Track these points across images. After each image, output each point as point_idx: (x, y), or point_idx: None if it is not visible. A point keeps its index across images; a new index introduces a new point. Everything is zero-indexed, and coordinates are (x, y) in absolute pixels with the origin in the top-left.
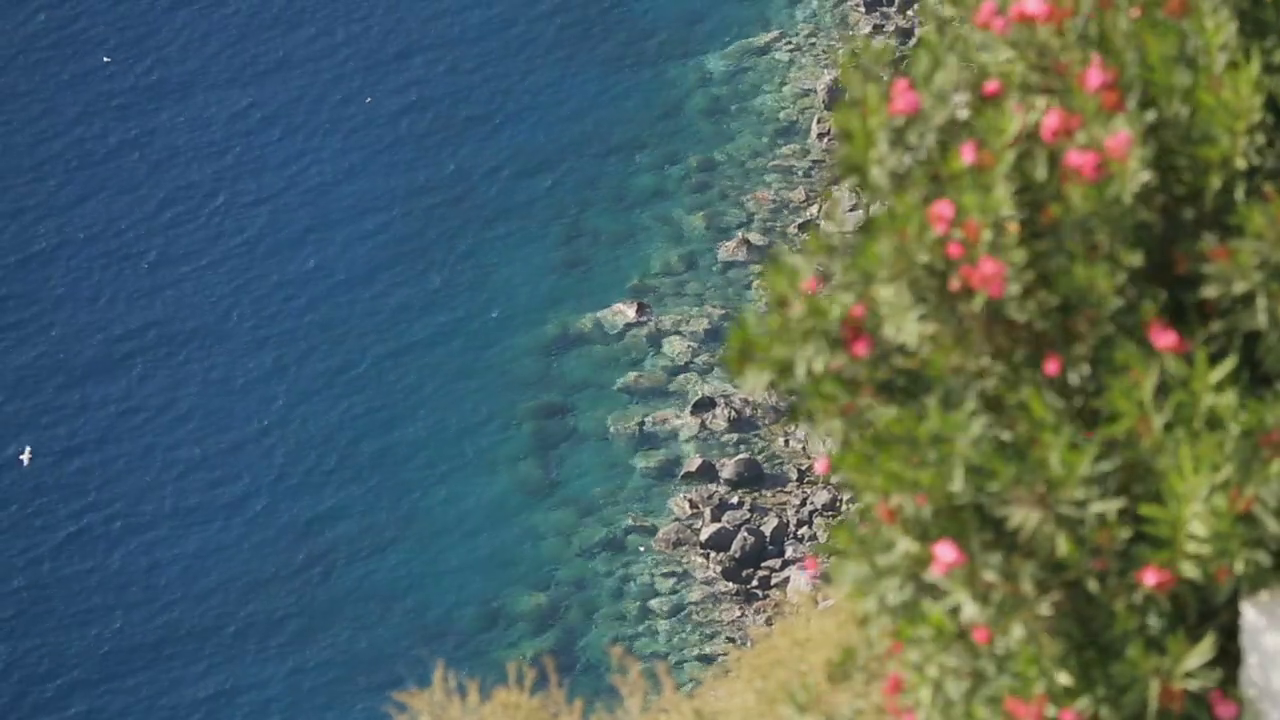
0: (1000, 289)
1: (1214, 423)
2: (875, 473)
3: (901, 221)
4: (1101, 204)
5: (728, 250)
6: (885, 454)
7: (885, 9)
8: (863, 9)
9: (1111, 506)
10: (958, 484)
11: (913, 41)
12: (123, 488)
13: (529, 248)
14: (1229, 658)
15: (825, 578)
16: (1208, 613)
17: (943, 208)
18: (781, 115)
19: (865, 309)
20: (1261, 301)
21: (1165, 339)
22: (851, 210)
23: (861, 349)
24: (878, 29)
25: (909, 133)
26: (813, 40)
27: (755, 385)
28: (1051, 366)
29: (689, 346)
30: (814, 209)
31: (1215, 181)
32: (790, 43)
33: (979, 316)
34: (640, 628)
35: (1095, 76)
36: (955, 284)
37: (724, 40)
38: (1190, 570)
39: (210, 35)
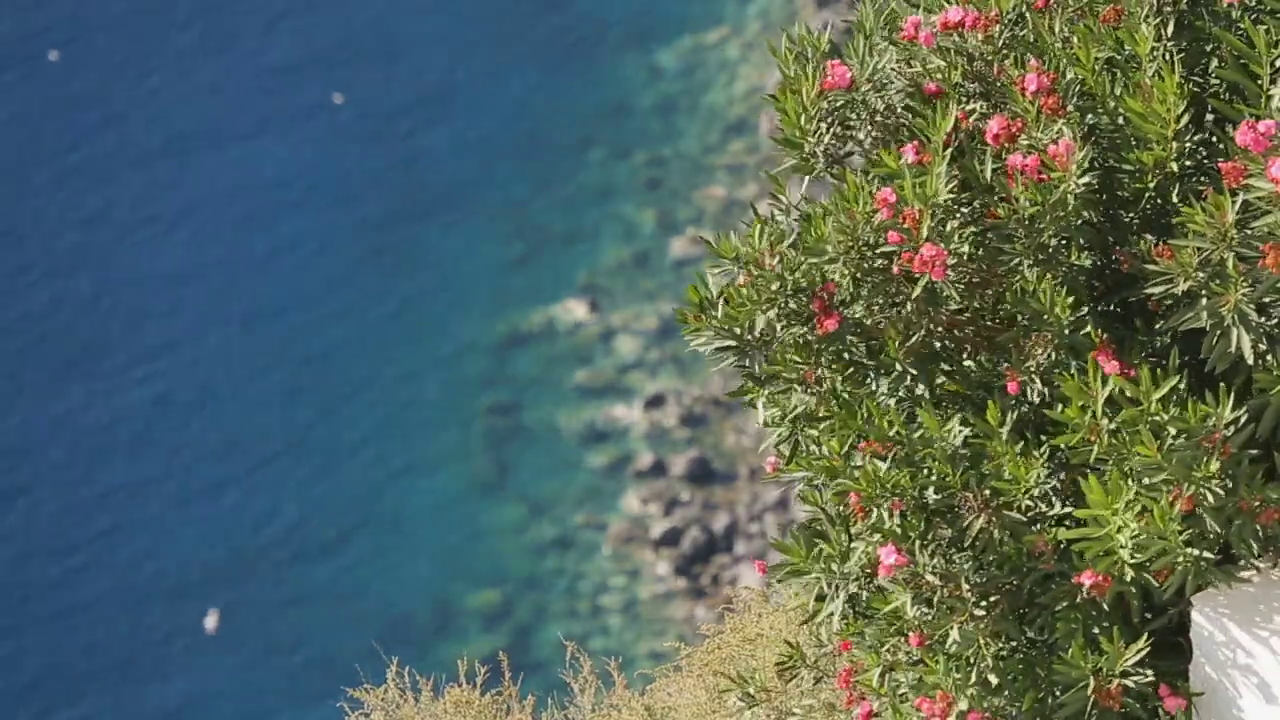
0: (941, 272)
1: (1157, 432)
2: (861, 477)
3: (850, 202)
4: (1046, 205)
5: (679, 247)
6: (868, 451)
7: (835, 4)
8: (813, 5)
9: (1055, 512)
10: (932, 496)
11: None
12: (64, 487)
13: (478, 245)
14: (1179, 652)
15: (776, 573)
16: (1155, 610)
17: (886, 193)
18: (732, 112)
19: (834, 287)
20: (1203, 300)
21: (1110, 366)
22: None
23: (831, 324)
24: (827, 26)
25: (847, 112)
26: (764, 36)
27: (708, 347)
28: (1012, 386)
29: (640, 343)
30: (764, 202)
31: (1150, 185)
32: (741, 39)
33: (919, 302)
34: (591, 625)
35: (1033, 81)
36: (897, 267)
37: (674, 36)
38: (1130, 573)
39: (148, 35)
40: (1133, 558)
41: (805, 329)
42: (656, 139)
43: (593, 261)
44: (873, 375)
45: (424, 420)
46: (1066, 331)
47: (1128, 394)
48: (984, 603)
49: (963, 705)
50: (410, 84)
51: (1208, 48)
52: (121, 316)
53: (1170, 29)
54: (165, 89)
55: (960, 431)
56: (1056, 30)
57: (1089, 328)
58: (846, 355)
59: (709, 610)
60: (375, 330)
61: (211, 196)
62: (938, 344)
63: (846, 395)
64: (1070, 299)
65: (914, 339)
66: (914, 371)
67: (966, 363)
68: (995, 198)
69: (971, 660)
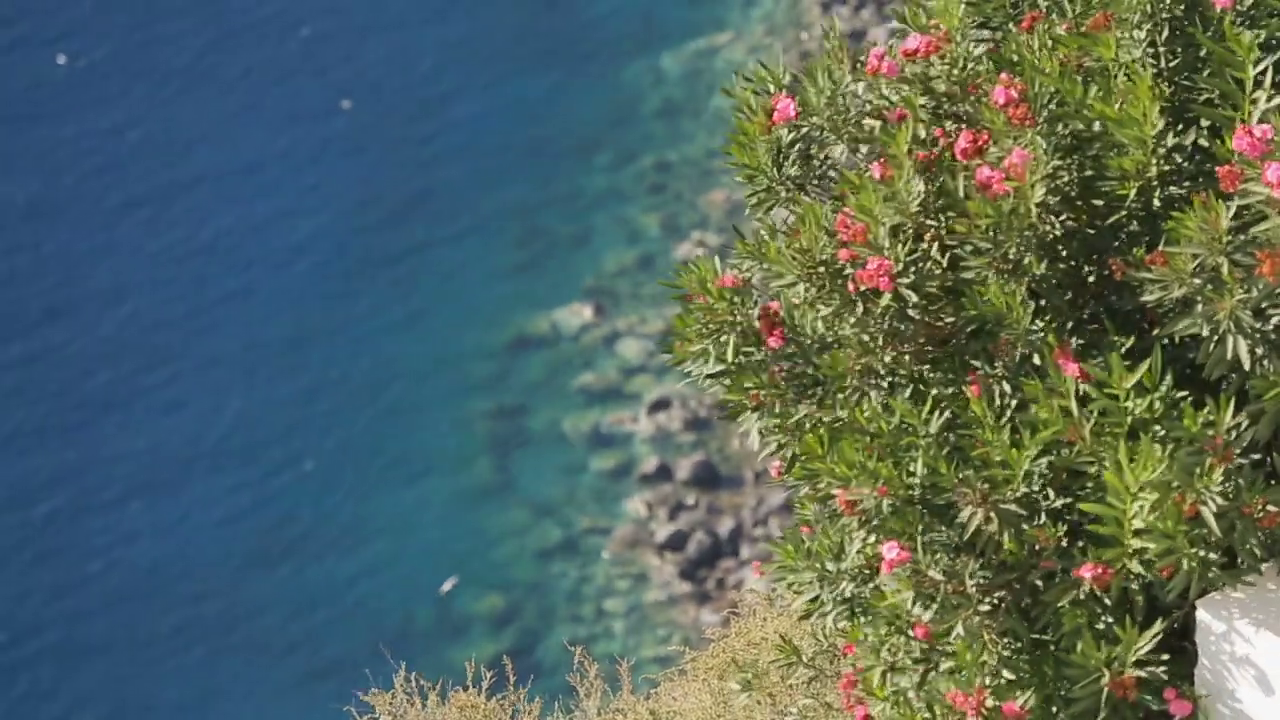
0: (888, 283)
1: (1141, 426)
2: (837, 462)
3: (800, 222)
4: (1003, 217)
5: (684, 251)
6: (846, 443)
7: (839, 8)
8: (818, 8)
9: (1053, 504)
10: (919, 474)
11: (864, 41)
12: (71, 488)
13: (483, 249)
14: (1185, 657)
15: (769, 570)
16: (1157, 612)
17: (846, 214)
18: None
19: (780, 305)
20: (1199, 307)
21: (1070, 368)
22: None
23: (776, 341)
24: (832, 30)
25: (803, 141)
26: (768, 40)
27: (697, 373)
28: (973, 390)
29: (645, 347)
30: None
31: (1131, 190)
32: (745, 43)
33: (885, 316)
34: (597, 629)
35: (1001, 94)
36: (852, 286)
37: (678, 41)
38: (1136, 567)
39: (152, 37)
40: (1141, 546)
41: (757, 352)
42: (661, 143)
43: (597, 266)
44: (831, 394)
45: (428, 424)
46: (1027, 334)
47: (1096, 380)
48: (988, 600)
49: (990, 702)
50: (417, 89)
51: (1201, 54)
52: (142, 329)
53: (1165, 35)
54: (179, 101)
55: (940, 418)
56: (1036, 48)
57: (1049, 333)
58: (804, 374)
59: (714, 614)
60: (380, 334)
61: (221, 205)
62: (889, 359)
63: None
64: (1023, 301)
65: (874, 358)
66: (865, 390)
67: (934, 373)
68: (958, 213)
69: (984, 657)
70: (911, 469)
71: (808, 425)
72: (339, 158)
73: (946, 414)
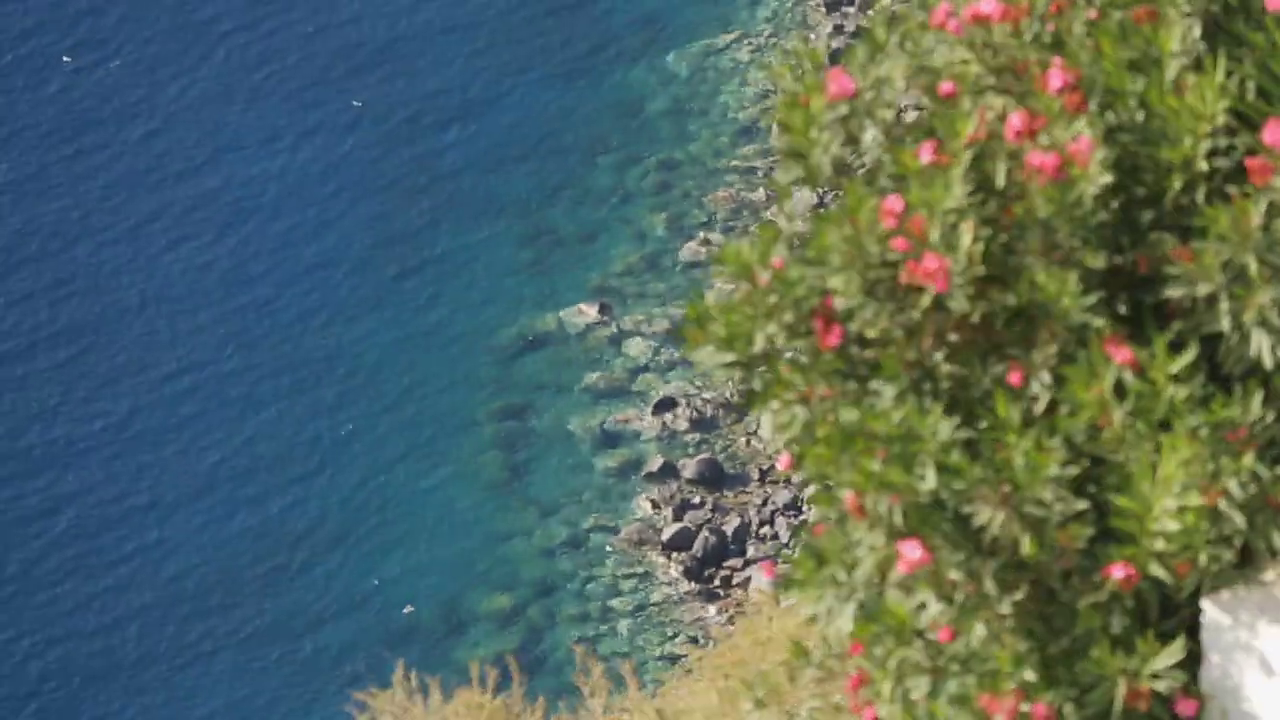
0: (945, 284)
1: (1174, 415)
2: (847, 468)
3: (852, 212)
4: (1063, 205)
5: (689, 250)
6: (858, 449)
7: (845, 9)
8: (823, 9)
9: (1076, 507)
10: (929, 483)
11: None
12: (95, 499)
13: (490, 248)
14: (1190, 656)
15: (781, 586)
16: (1169, 611)
17: (893, 202)
18: (742, 116)
19: (833, 301)
20: (1224, 304)
21: (1121, 355)
22: (816, 205)
23: (834, 340)
24: (838, 29)
25: (851, 123)
26: (774, 40)
27: (710, 362)
28: (1014, 377)
29: (651, 346)
30: (773, 207)
31: (1176, 183)
32: (751, 43)
33: (929, 311)
34: (603, 627)
35: (1057, 78)
36: (904, 277)
37: (685, 41)
38: (1155, 568)
39: (161, 35)
40: (1164, 547)
41: (804, 343)
42: (667, 142)
43: (604, 265)
44: (875, 386)
45: (435, 423)
46: (1074, 321)
47: (1139, 364)
48: (1007, 600)
49: (1024, 706)
50: (425, 91)
51: (1239, 51)
52: (126, 310)
53: (1197, 31)
54: (203, 113)
55: (948, 423)
56: (1075, 31)
57: (1098, 320)
58: (847, 369)
59: (720, 613)
60: (386, 333)
61: (244, 216)
62: (939, 355)
63: (845, 411)
64: (1077, 287)
65: (920, 347)
66: (915, 380)
67: (964, 370)
68: (1010, 198)
69: (1012, 659)
70: (921, 474)
71: (822, 430)
72: (358, 166)
73: (959, 416)
